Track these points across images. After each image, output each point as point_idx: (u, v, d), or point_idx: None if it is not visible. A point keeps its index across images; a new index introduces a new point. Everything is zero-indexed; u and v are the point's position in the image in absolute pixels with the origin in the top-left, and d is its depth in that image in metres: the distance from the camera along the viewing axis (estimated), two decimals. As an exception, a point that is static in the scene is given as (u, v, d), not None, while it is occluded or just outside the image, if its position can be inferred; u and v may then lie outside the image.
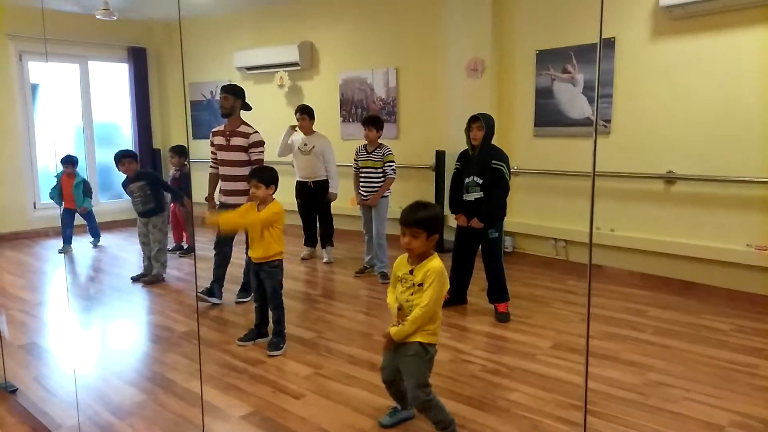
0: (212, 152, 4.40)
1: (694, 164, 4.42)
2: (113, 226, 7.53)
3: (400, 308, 2.33)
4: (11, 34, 6.76)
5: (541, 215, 5.43)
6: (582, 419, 2.52)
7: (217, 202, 4.43)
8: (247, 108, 4.35)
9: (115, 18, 6.44)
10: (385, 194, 4.92)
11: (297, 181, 5.57)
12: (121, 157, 4.91)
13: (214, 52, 7.60)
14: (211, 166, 4.46)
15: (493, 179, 3.85)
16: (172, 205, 6.16)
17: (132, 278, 5.03)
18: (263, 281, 3.43)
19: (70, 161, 6.08)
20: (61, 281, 5.31)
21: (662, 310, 4.07)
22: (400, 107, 6.34)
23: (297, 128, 5.44)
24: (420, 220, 2.29)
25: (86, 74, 7.57)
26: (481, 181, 3.88)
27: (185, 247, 6.16)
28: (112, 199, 7.85)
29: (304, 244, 5.83)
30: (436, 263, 2.29)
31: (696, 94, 4.37)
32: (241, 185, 4.07)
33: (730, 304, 4.17)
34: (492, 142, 3.94)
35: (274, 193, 3.42)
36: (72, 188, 6.09)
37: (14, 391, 2.88)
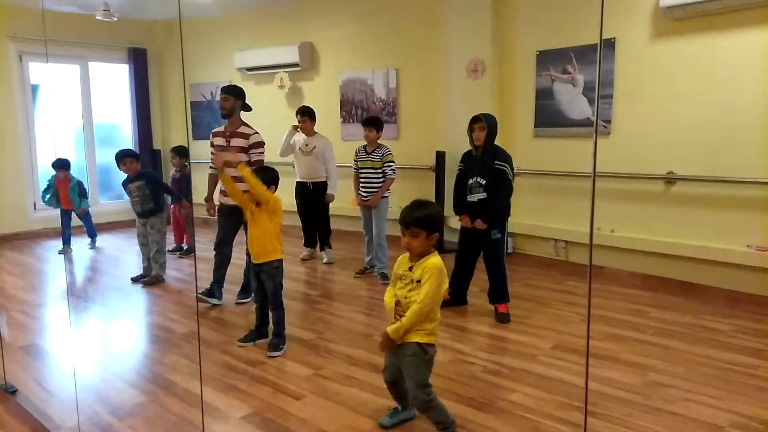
0: (212, 153, 4.40)
1: (694, 165, 4.42)
2: (113, 226, 7.54)
3: (397, 304, 2.33)
4: (12, 35, 6.76)
5: (541, 216, 5.43)
6: (582, 420, 2.52)
7: (217, 203, 4.42)
8: (248, 109, 4.34)
9: (116, 19, 6.45)
10: (385, 195, 4.93)
11: (297, 182, 5.57)
12: (123, 157, 4.92)
13: (214, 53, 7.60)
14: (210, 167, 4.46)
15: (497, 180, 3.85)
16: (172, 206, 6.16)
17: (132, 279, 5.03)
18: (263, 282, 3.43)
19: (62, 165, 6.01)
20: (61, 282, 5.32)
21: (662, 311, 4.06)
22: (401, 108, 6.34)
23: (299, 129, 5.44)
24: (419, 219, 2.29)
25: (86, 75, 7.57)
26: (484, 182, 3.87)
27: (185, 248, 6.16)
28: (112, 200, 7.86)
29: (304, 245, 5.84)
30: (434, 260, 2.30)
31: (696, 95, 4.37)
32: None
33: (731, 304, 4.17)
34: (495, 143, 3.94)
35: (274, 193, 3.44)
36: (68, 191, 6.06)
37: (14, 392, 2.88)
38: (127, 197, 5.10)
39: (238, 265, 4.50)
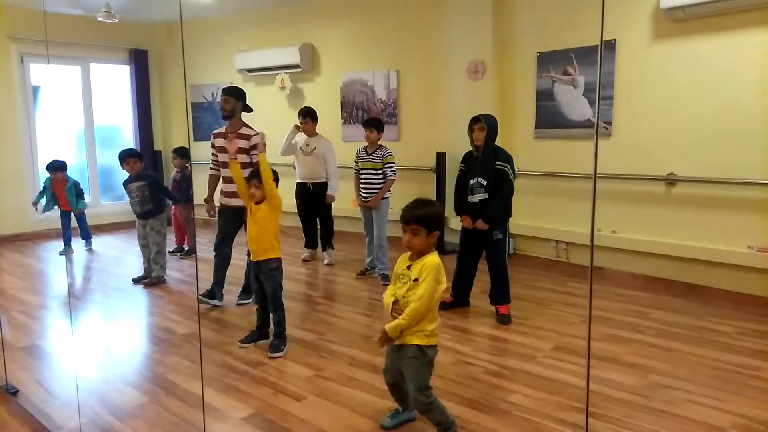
0: (213, 154, 4.40)
1: (695, 166, 4.41)
2: (114, 227, 7.54)
3: (396, 303, 2.33)
4: (13, 36, 6.76)
5: (542, 217, 5.43)
6: (584, 421, 2.52)
7: (217, 204, 4.43)
8: (248, 110, 4.35)
9: (117, 20, 6.46)
10: (386, 196, 4.93)
11: (297, 183, 5.57)
12: (126, 156, 4.93)
13: (215, 54, 7.61)
14: (211, 168, 4.46)
15: (498, 180, 3.85)
16: (173, 207, 6.17)
17: (133, 280, 5.03)
18: (263, 283, 3.43)
19: (58, 167, 6.00)
20: (62, 283, 5.32)
21: (664, 312, 4.06)
22: (401, 109, 6.35)
23: (300, 129, 5.44)
24: (419, 217, 2.30)
25: (87, 76, 7.58)
26: (485, 183, 3.87)
27: (186, 249, 6.16)
28: (113, 201, 7.86)
29: (305, 246, 5.83)
30: (432, 259, 2.30)
31: (697, 96, 4.37)
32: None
33: (733, 306, 4.16)
34: (495, 143, 3.94)
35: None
36: (65, 192, 6.05)
37: (15, 393, 2.88)
38: (127, 198, 5.10)
39: (239, 266, 4.50)
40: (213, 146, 4.37)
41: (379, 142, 4.94)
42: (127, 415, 2.67)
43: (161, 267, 5.02)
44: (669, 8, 4.29)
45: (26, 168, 7.07)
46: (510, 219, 4.02)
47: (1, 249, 6.43)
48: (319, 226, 5.69)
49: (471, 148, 4.00)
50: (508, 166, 3.85)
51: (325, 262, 5.62)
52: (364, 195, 4.95)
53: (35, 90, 7.22)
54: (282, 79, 7.08)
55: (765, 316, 3.95)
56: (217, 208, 4.44)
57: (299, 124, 5.42)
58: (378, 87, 6.45)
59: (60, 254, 6.17)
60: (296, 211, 5.66)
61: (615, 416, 2.59)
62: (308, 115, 5.38)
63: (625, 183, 4.79)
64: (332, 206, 5.55)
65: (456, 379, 3.00)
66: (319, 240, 5.75)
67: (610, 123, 4.85)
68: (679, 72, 4.45)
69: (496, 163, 3.84)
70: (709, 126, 4.32)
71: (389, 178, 4.89)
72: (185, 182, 5.97)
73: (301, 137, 5.46)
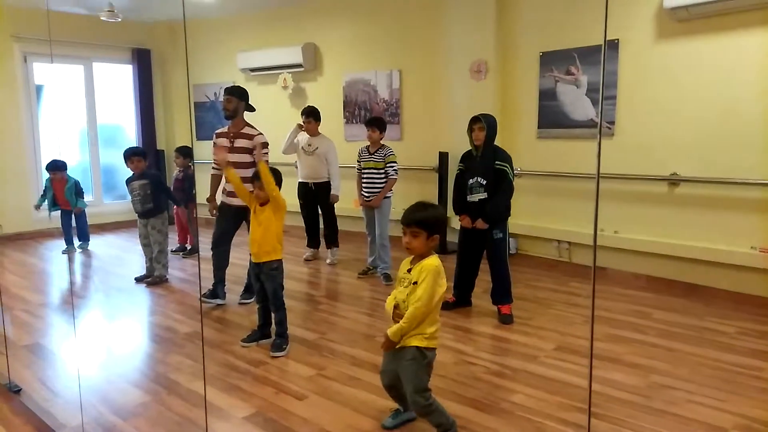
0: (215, 154, 4.41)
1: (698, 166, 4.41)
2: (117, 226, 7.55)
3: (397, 307, 2.33)
4: (16, 36, 6.78)
5: (544, 217, 5.42)
6: (585, 422, 2.52)
7: (219, 203, 4.43)
8: (251, 109, 4.35)
9: (120, 20, 6.46)
10: (388, 195, 4.93)
11: (299, 182, 5.58)
12: (131, 155, 4.95)
13: (217, 54, 7.62)
14: (213, 167, 4.46)
15: (497, 180, 3.85)
16: (175, 206, 6.18)
17: (135, 279, 5.05)
18: (264, 283, 3.44)
19: (58, 167, 6.01)
20: (65, 282, 5.33)
21: (666, 313, 4.05)
22: (404, 109, 6.35)
23: (303, 128, 5.44)
24: (419, 219, 2.30)
25: (90, 76, 7.59)
26: (484, 182, 3.87)
27: (188, 248, 6.17)
28: (116, 200, 7.88)
29: (307, 246, 5.84)
30: (431, 261, 2.30)
31: (700, 96, 4.36)
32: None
33: (735, 306, 4.15)
34: (495, 143, 3.94)
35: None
36: (65, 192, 6.06)
37: (18, 392, 2.89)
38: (129, 196, 5.11)
39: (241, 266, 4.51)
40: (215, 146, 4.37)
41: (382, 142, 4.95)
42: (130, 413, 2.68)
43: (163, 266, 5.03)
44: (672, 8, 4.28)
45: (29, 167, 7.08)
46: (511, 219, 4.02)
47: (4, 248, 6.45)
48: (322, 226, 5.69)
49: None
50: (508, 165, 3.85)
51: (327, 261, 5.62)
52: (367, 194, 4.95)
53: (38, 89, 7.23)
54: (284, 79, 7.09)
55: (766, 316, 3.94)
56: (218, 207, 4.45)
57: (302, 123, 5.43)
58: (380, 86, 6.45)
59: (63, 253, 6.18)
60: (299, 210, 5.67)
61: (617, 416, 2.59)
62: (311, 115, 5.38)
63: (628, 183, 4.78)
64: (335, 205, 5.56)
65: (458, 378, 3.00)
66: (322, 239, 5.75)
67: (613, 123, 4.84)
68: (682, 72, 4.45)
69: (496, 162, 3.84)
70: (713, 126, 4.32)
71: (391, 177, 4.90)
72: (188, 181, 5.98)
73: (303, 137, 5.46)
